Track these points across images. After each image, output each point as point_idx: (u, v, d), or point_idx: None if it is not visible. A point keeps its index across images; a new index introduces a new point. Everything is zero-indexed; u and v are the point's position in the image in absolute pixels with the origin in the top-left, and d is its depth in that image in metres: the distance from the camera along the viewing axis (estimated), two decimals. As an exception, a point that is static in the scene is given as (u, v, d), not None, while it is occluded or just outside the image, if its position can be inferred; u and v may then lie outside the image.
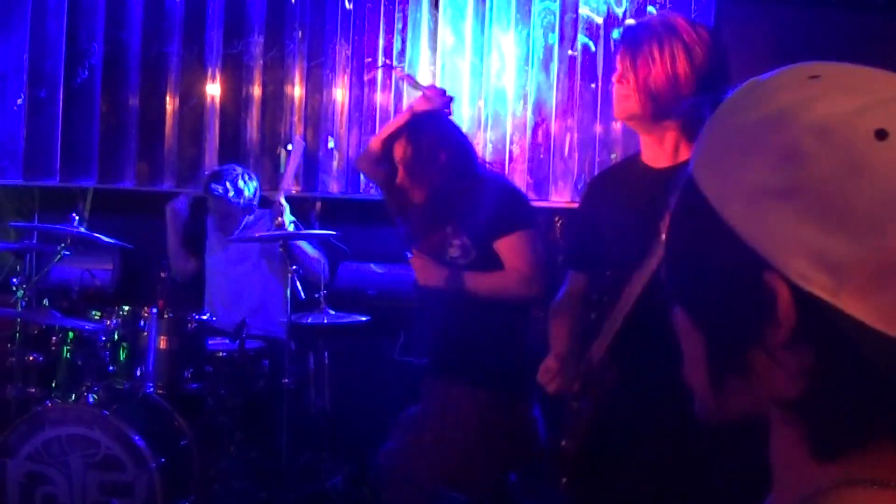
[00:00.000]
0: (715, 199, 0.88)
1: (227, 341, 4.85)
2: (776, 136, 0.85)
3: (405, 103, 5.94)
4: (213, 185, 5.19)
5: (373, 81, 6.03)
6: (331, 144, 6.05)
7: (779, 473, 0.94)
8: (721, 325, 0.92)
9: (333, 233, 5.01)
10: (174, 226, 5.46)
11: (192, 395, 4.63)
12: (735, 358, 0.91)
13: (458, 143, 3.90)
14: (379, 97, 6.04)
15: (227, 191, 5.17)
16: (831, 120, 0.83)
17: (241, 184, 5.23)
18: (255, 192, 5.34)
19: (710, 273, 0.91)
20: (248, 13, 6.19)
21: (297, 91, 6.11)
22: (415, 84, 4.33)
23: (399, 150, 3.83)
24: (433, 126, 3.90)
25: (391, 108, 5.99)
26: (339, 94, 6.09)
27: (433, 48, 5.97)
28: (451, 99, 4.05)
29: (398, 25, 6.00)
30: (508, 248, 3.66)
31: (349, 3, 6.05)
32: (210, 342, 4.76)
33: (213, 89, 6.25)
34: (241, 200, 5.22)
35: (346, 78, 6.07)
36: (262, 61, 6.17)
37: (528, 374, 3.19)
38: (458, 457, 3.62)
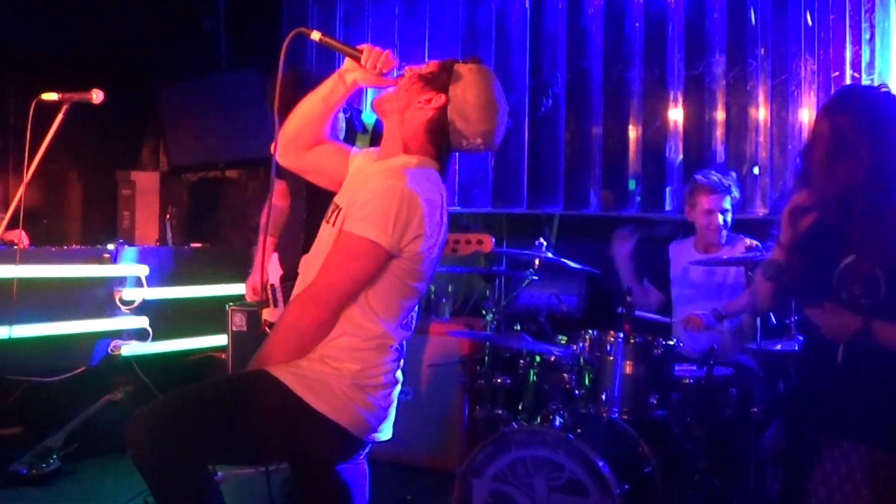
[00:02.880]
0: None
1: (694, 368, 4.73)
2: None
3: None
4: (708, 180, 5.28)
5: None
6: (799, 164, 5.78)
7: None
8: None
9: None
10: (620, 260, 5.42)
11: (657, 422, 4.54)
12: None
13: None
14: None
15: (721, 181, 5.25)
16: None
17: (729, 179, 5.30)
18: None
19: None
20: (708, 33, 6.09)
21: (761, 111, 5.90)
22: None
23: (824, 124, 3.09)
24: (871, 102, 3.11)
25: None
26: (806, 112, 5.81)
27: (904, 58, 5.57)
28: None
29: (865, 35, 5.64)
30: None
31: (811, 19, 5.78)
32: (677, 368, 4.67)
33: (676, 113, 6.18)
34: (734, 195, 5.29)
35: (813, 95, 5.79)
36: (724, 81, 6.02)
37: None
38: None
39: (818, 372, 3.13)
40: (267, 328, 4.70)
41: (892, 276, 2.93)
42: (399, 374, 3.18)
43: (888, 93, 3.17)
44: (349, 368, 2.99)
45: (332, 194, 3.65)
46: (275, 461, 3.25)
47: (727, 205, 5.23)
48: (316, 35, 3.14)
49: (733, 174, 5.42)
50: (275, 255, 4.78)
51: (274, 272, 4.74)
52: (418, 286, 3.09)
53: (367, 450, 3.20)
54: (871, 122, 3.01)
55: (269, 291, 4.73)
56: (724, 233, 5.25)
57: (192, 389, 3.11)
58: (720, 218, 5.21)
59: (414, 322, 3.22)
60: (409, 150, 3.13)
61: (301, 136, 3.31)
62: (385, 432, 3.15)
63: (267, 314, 4.75)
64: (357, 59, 3.16)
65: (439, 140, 3.12)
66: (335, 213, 3.09)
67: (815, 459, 3.08)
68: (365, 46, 3.16)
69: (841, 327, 2.99)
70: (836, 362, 2.98)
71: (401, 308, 3.08)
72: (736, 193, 5.26)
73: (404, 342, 3.19)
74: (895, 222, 2.95)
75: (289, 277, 4.55)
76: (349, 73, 3.22)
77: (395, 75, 3.23)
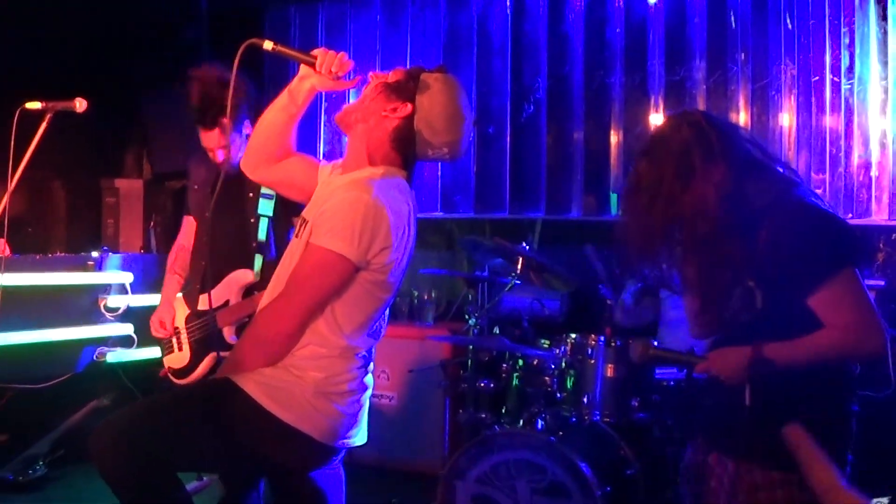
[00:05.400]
0: None
1: (675, 370, 4.75)
2: None
3: (855, 123, 5.61)
4: None
5: (820, 102, 5.75)
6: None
7: None
8: None
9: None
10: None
11: (639, 425, 4.57)
12: None
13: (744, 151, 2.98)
14: (828, 119, 5.74)
15: None
16: None
17: None
18: None
19: None
20: (689, 39, 6.12)
21: (742, 115, 5.94)
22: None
23: (642, 163, 3.04)
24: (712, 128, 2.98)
25: (841, 130, 5.67)
26: (786, 116, 5.85)
27: (883, 62, 5.59)
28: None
29: (845, 40, 5.68)
30: (825, 300, 2.79)
31: (791, 24, 5.82)
32: (658, 371, 4.68)
33: (657, 118, 6.21)
34: None
35: (793, 99, 5.83)
36: (704, 86, 6.06)
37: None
38: None
39: (725, 408, 2.98)
40: (170, 375, 4.59)
41: (765, 288, 2.86)
42: (368, 378, 3.18)
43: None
44: (312, 377, 2.99)
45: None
46: (242, 468, 3.25)
47: None
48: (268, 45, 3.08)
49: None
50: (179, 295, 4.67)
51: (180, 312, 4.62)
52: (386, 297, 3.09)
53: (340, 455, 3.21)
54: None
55: (173, 334, 4.59)
56: None
57: (157, 399, 3.13)
58: None
59: (383, 328, 3.22)
60: (373, 160, 3.11)
61: (267, 149, 3.30)
62: (358, 437, 3.15)
63: (170, 361, 4.60)
64: (312, 65, 3.11)
65: (405, 149, 3.10)
66: (303, 227, 3.08)
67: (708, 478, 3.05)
68: (319, 51, 3.12)
69: (734, 368, 2.85)
70: (744, 404, 2.81)
71: (367, 319, 3.07)
72: None
73: (372, 348, 3.18)
74: (764, 236, 2.83)
75: (195, 317, 4.52)
76: (306, 79, 3.18)
77: (350, 77, 3.19)
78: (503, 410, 5.05)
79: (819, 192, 5.63)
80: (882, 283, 5.37)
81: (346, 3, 7.29)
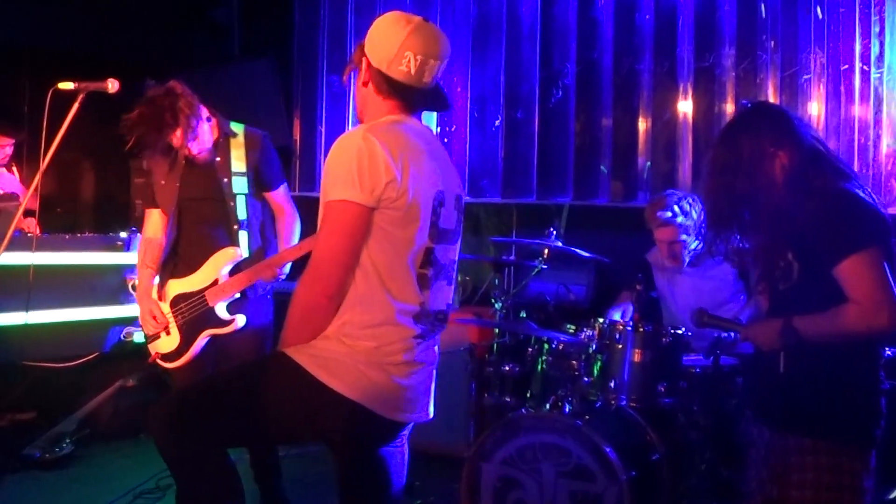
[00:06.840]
0: None
1: (701, 357, 4.74)
2: None
3: (885, 113, 5.58)
4: (660, 213, 5.07)
5: (850, 90, 5.72)
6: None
7: None
8: None
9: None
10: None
11: (665, 410, 4.57)
12: None
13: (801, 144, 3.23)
14: (857, 108, 5.71)
15: (675, 215, 5.05)
16: None
17: (686, 206, 5.07)
18: (701, 217, 5.09)
19: None
20: (718, 26, 6.10)
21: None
22: None
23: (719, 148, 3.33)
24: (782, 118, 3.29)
25: (870, 119, 5.64)
26: (815, 105, 5.82)
27: (913, 52, 5.58)
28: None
29: (875, 29, 5.64)
30: (847, 273, 2.99)
31: (820, 12, 5.79)
32: (684, 358, 4.68)
33: (686, 105, 6.20)
34: (691, 223, 5.06)
35: (822, 87, 5.80)
36: (734, 74, 6.04)
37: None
38: None
39: (763, 376, 3.29)
40: (159, 360, 4.59)
41: (802, 262, 3.11)
42: (430, 352, 3.18)
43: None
44: (364, 346, 2.98)
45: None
46: (295, 441, 3.27)
47: (680, 236, 5.07)
48: None
49: (680, 193, 5.24)
50: (155, 283, 4.67)
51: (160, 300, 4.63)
52: (414, 236, 3.03)
53: (404, 432, 3.24)
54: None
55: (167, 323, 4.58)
56: (687, 257, 5.14)
57: (213, 375, 3.17)
58: (674, 248, 5.11)
59: (436, 282, 3.18)
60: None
61: None
62: (420, 413, 3.17)
63: (157, 346, 4.59)
64: None
65: (393, 92, 3.09)
66: None
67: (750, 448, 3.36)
68: None
69: (769, 337, 3.16)
70: (779, 371, 3.13)
71: (405, 268, 3.03)
72: (682, 219, 5.05)
73: (435, 319, 3.18)
74: (805, 213, 3.07)
75: (178, 301, 4.53)
76: None
77: None
78: (528, 395, 5.06)
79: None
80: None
81: (375, -15, 7.30)
